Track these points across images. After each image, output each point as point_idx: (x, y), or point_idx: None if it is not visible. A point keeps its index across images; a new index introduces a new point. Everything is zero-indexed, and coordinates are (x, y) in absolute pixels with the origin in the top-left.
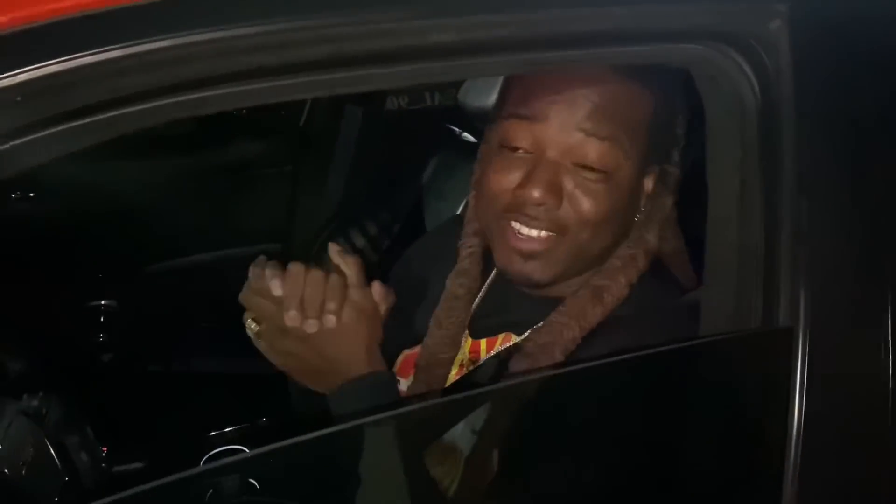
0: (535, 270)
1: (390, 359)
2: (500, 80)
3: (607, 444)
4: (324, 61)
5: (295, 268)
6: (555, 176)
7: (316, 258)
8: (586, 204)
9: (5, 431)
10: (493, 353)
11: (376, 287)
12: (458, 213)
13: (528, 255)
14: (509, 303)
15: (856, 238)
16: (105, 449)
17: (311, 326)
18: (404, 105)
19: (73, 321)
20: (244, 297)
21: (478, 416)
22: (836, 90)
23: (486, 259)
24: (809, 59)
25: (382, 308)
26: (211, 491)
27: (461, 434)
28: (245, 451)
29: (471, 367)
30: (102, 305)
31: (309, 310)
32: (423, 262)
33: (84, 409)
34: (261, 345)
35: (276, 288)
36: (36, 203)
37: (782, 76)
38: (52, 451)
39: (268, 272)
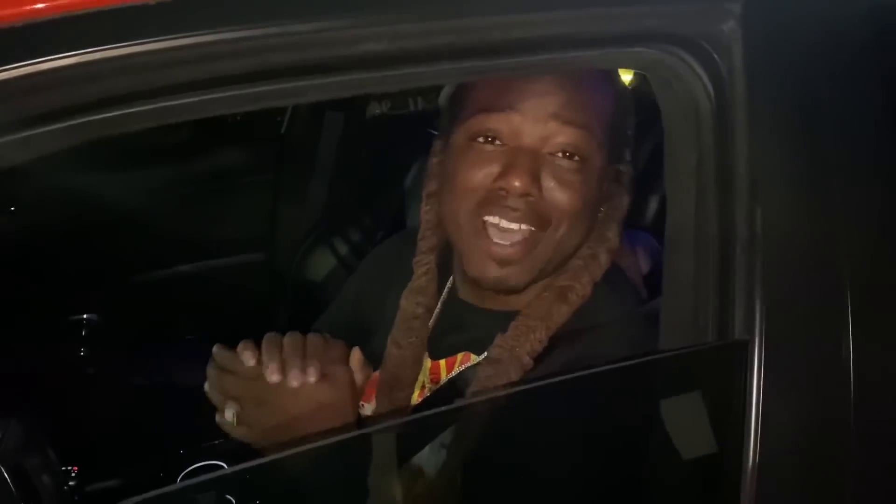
0: (511, 275)
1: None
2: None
3: (567, 458)
4: (251, 74)
5: (269, 335)
6: (534, 164)
7: (298, 267)
8: (565, 194)
9: None
10: (453, 373)
11: (356, 354)
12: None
13: (505, 261)
14: (465, 320)
15: (811, 245)
16: (76, 468)
17: (295, 378)
18: (386, 110)
19: (54, 336)
20: (212, 388)
21: (446, 435)
22: (789, 92)
23: (441, 275)
24: (762, 61)
25: (360, 378)
26: None
27: (431, 453)
28: (224, 466)
29: (432, 388)
30: (84, 319)
31: (290, 364)
32: (376, 280)
33: (55, 427)
34: (241, 430)
35: (249, 358)
36: (15, 217)
37: (735, 78)
38: (6, 476)
39: (238, 348)
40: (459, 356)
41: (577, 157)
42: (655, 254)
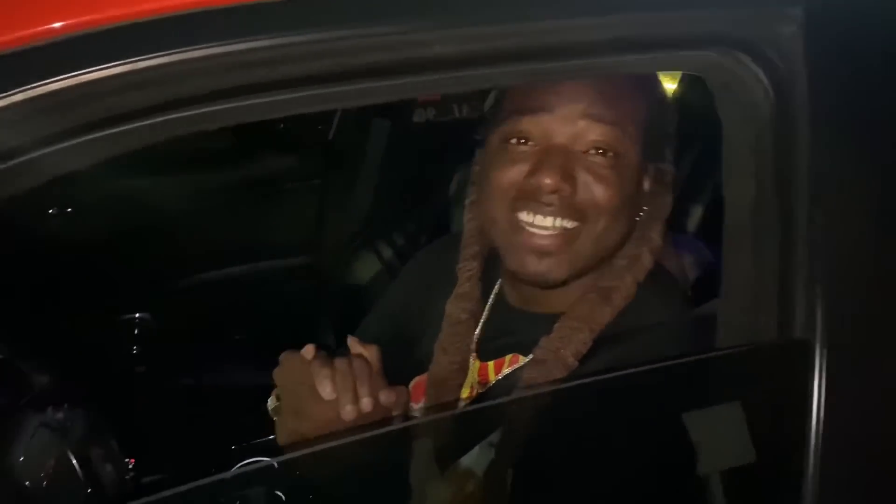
0: (550, 268)
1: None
2: None
3: (621, 458)
4: (326, 75)
5: (329, 364)
6: (566, 163)
7: (344, 270)
8: (600, 189)
9: (27, 444)
10: (501, 374)
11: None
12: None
13: (543, 253)
14: (512, 323)
15: (873, 247)
16: (132, 460)
17: (349, 413)
18: (432, 117)
19: (108, 334)
20: (278, 374)
21: (494, 431)
22: (852, 96)
23: (486, 281)
24: (825, 65)
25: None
26: (237, 503)
27: (479, 449)
28: (273, 463)
29: (480, 390)
30: (136, 318)
31: (344, 400)
32: (419, 285)
33: (111, 421)
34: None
35: (326, 390)
36: (72, 219)
37: (797, 83)
38: (75, 463)
39: (319, 368)
40: (508, 357)
41: (610, 153)
42: (704, 258)
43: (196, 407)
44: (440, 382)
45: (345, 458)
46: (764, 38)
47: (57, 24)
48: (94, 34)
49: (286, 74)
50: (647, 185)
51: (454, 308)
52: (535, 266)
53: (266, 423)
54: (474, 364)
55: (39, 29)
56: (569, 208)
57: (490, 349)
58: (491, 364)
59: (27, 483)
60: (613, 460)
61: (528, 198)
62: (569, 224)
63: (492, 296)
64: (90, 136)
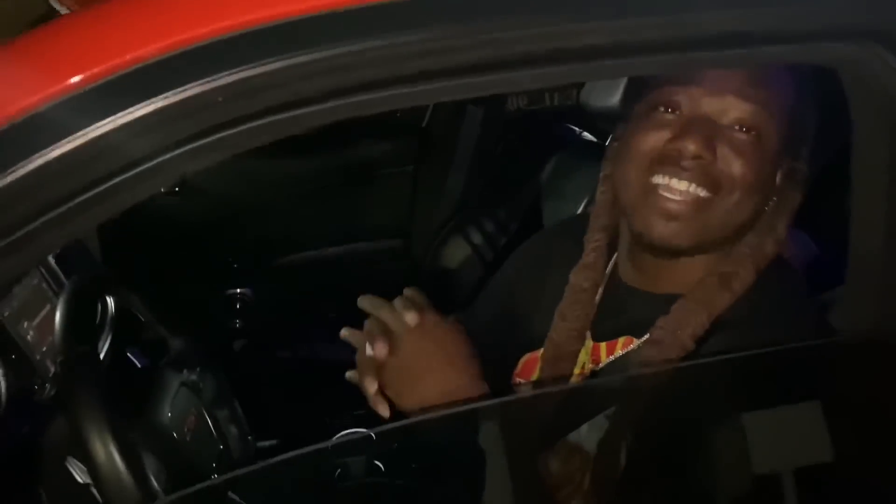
0: (676, 232)
1: (510, 364)
2: (624, 80)
3: (735, 439)
4: (481, 65)
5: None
6: (710, 133)
7: (434, 254)
8: (738, 164)
9: (172, 400)
10: (613, 356)
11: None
12: (578, 213)
13: (671, 216)
14: (627, 303)
15: None
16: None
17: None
18: (524, 105)
19: (213, 307)
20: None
21: (606, 408)
22: None
23: (608, 256)
24: None
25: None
26: (339, 470)
27: (589, 426)
28: (372, 435)
29: (592, 369)
30: (238, 294)
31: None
32: (540, 263)
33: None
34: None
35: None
36: (181, 199)
37: None
38: (209, 421)
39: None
40: (621, 340)
41: (753, 132)
42: (810, 251)
43: (291, 379)
44: (558, 349)
45: (449, 430)
46: None
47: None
48: (246, 34)
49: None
50: (779, 177)
51: (577, 277)
52: (662, 228)
53: (361, 398)
54: (587, 343)
55: (184, 36)
56: (706, 176)
57: (603, 329)
58: (604, 345)
59: (175, 435)
60: (727, 444)
61: (667, 161)
62: (702, 192)
63: (607, 273)
64: (275, 119)
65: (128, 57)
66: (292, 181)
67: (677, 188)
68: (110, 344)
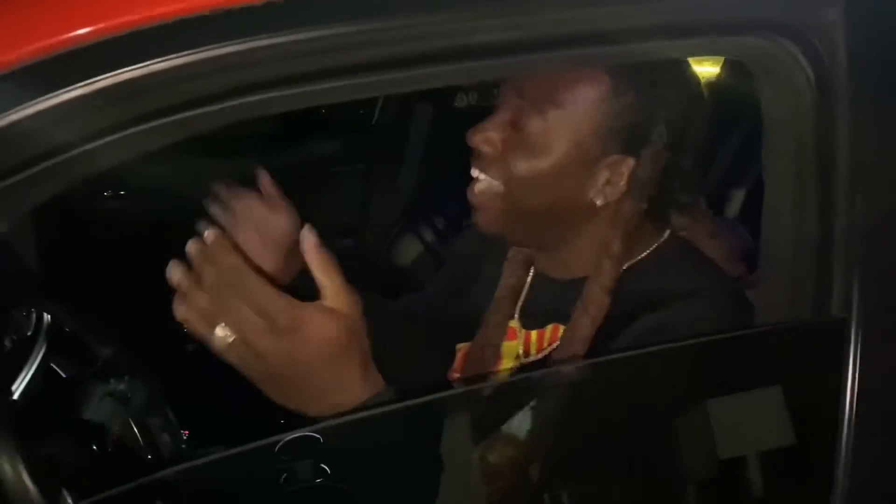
0: (486, 223)
1: (448, 355)
2: None
3: (651, 430)
4: (379, 63)
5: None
6: (498, 125)
7: (387, 252)
8: (522, 156)
9: (94, 411)
10: (544, 344)
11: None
12: None
13: (475, 207)
14: (545, 292)
15: None
16: (186, 432)
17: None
18: (474, 102)
19: (162, 313)
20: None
21: (534, 401)
22: (893, 81)
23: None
24: (866, 50)
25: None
26: (285, 474)
27: (517, 419)
28: (319, 438)
29: (524, 360)
30: None
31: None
32: (471, 257)
33: (167, 394)
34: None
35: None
36: (125, 201)
37: (838, 67)
38: (136, 431)
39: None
40: (549, 328)
41: (544, 129)
42: (745, 242)
43: (244, 382)
44: (484, 341)
45: (384, 428)
46: (806, 23)
47: (125, 19)
48: (160, 27)
49: (336, 63)
50: (606, 174)
51: (506, 271)
52: (477, 219)
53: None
54: (521, 332)
55: (105, 25)
56: (490, 165)
57: (534, 318)
58: (534, 333)
59: (95, 447)
60: (640, 434)
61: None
62: (490, 181)
63: (533, 266)
64: (156, 123)
65: (44, 44)
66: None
67: (474, 175)
68: (44, 354)
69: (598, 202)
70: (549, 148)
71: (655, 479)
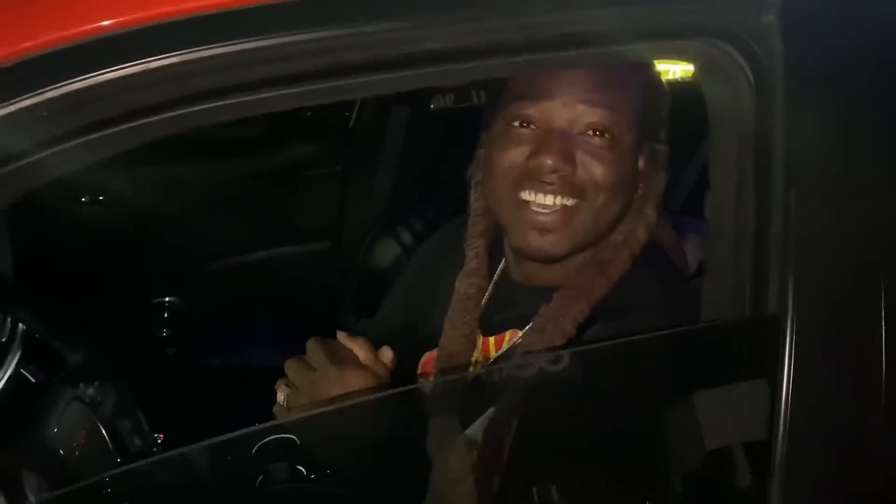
0: (552, 243)
1: (412, 362)
2: None
3: (603, 426)
4: (325, 71)
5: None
6: (566, 144)
7: (365, 254)
8: (599, 168)
9: (61, 416)
10: (501, 349)
11: (384, 352)
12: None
13: (545, 229)
14: (512, 298)
15: (845, 227)
16: (161, 436)
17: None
18: (450, 103)
19: (139, 317)
20: (289, 366)
21: (495, 400)
22: (827, 83)
23: (493, 259)
24: (801, 53)
25: (392, 366)
26: (261, 477)
27: (483, 420)
28: (296, 440)
29: (483, 364)
30: (166, 302)
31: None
32: (430, 266)
33: (140, 398)
34: (284, 411)
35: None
36: (104, 206)
37: (775, 69)
38: (105, 435)
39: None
40: (508, 333)
41: (607, 134)
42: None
43: (222, 387)
44: (449, 356)
45: (357, 429)
46: (743, 26)
47: (74, 30)
48: (112, 37)
49: (294, 70)
50: (642, 164)
51: (462, 283)
52: (538, 241)
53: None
54: (479, 340)
55: (61, 34)
56: (569, 186)
57: (492, 324)
58: (492, 339)
59: (61, 452)
60: (598, 429)
61: (530, 177)
62: (568, 202)
63: (497, 273)
64: (107, 132)
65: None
66: (218, 185)
67: (543, 202)
68: (18, 361)
69: (636, 195)
70: (615, 151)
71: (601, 474)
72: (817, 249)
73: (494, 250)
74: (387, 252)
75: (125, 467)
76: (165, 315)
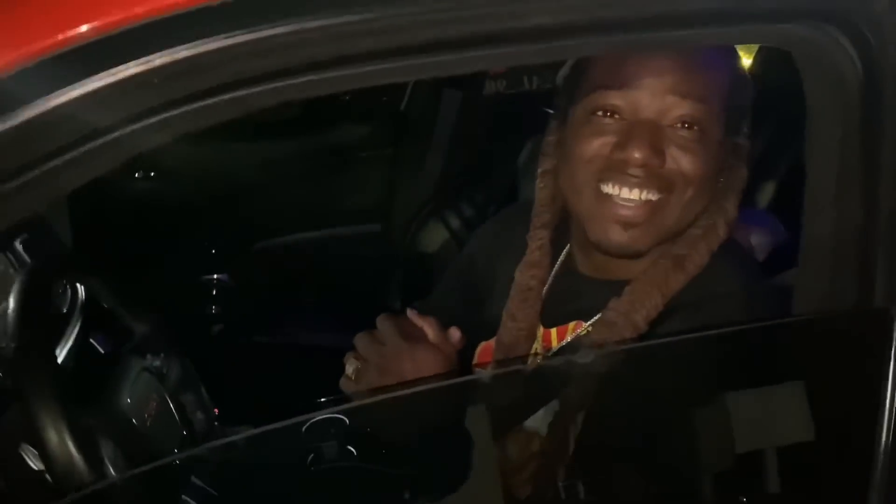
0: (635, 239)
1: (467, 350)
2: None
3: (689, 419)
4: (428, 45)
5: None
6: (654, 137)
7: (413, 238)
8: (686, 162)
9: (132, 385)
10: (564, 341)
11: (453, 332)
12: (524, 200)
13: (628, 224)
14: (577, 290)
15: None
16: (217, 410)
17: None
18: (502, 89)
19: (189, 293)
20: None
21: (559, 392)
22: None
23: (555, 249)
24: None
25: (459, 346)
26: (312, 455)
27: (545, 411)
28: (344, 420)
29: (543, 355)
30: (215, 279)
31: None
32: (488, 253)
33: (199, 372)
34: (354, 386)
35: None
36: (156, 183)
37: (886, 55)
38: (172, 407)
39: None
40: (571, 325)
41: (695, 127)
42: (777, 232)
43: (268, 365)
44: (508, 349)
45: (412, 414)
46: (855, 11)
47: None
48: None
49: (399, 43)
50: (724, 157)
51: (523, 276)
52: (620, 236)
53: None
54: (539, 331)
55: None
56: (655, 180)
57: (554, 316)
58: (554, 331)
59: (134, 421)
60: (674, 426)
61: (615, 170)
62: (654, 196)
63: (558, 263)
64: (191, 107)
65: (86, 28)
66: (270, 165)
67: (628, 196)
68: (79, 330)
69: (718, 187)
70: (703, 144)
71: (684, 468)
72: None
73: (557, 241)
74: (434, 236)
75: (194, 450)
76: (214, 292)
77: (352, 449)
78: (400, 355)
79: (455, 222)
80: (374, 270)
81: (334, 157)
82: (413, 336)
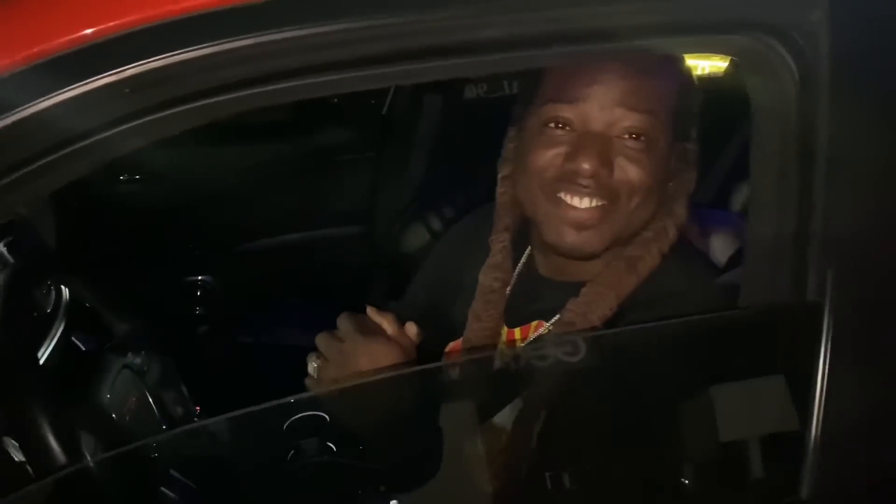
0: (588, 241)
1: (436, 348)
2: None
3: (635, 410)
4: (386, 56)
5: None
6: (603, 148)
7: (395, 240)
8: (634, 171)
9: (112, 382)
10: (527, 339)
11: (409, 327)
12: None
13: (582, 226)
14: (537, 291)
15: (885, 221)
16: (198, 408)
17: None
18: (482, 93)
19: (174, 295)
20: (320, 338)
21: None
22: (873, 81)
23: (516, 251)
24: (848, 49)
25: (417, 341)
26: (292, 451)
27: (512, 408)
28: (325, 417)
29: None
30: (199, 281)
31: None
32: (455, 256)
33: (180, 370)
34: (316, 384)
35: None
36: (141, 186)
37: (820, 66)
38: (152, 403)
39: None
40: (533, 324)
41: (643, 138)
42: (741, 232)
43: (252, 364)
44: (474, 348)
45: (370, 405)
46: (791, 22)
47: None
48: (185, 20)
49: (362, 53)
50: (673, 162)
51: (486, 277)
52: (573, 238)
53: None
54: (504, 331)
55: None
56: (605, 190)
57: (517, 316)
58: (517, 330)
59: (113, 416)
60: (624, 417)
61: (566, 180)
62: (603, 203)
63: (520, 265)
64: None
65: (66, 38)
66: (253, 168)
67: (579, 205)
68: (63, 330)
69: (668, 191)
70: (651, 153)
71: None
72: (856, 238)
73: (518, 243)
74: (417, 238)
75: (168, 433)
76: (198, 293)
77: (331, 445)
78: (357, 351)
79: (437, 224)
80: (357, 272)
81: (318, 161)
82: (372, 332)
